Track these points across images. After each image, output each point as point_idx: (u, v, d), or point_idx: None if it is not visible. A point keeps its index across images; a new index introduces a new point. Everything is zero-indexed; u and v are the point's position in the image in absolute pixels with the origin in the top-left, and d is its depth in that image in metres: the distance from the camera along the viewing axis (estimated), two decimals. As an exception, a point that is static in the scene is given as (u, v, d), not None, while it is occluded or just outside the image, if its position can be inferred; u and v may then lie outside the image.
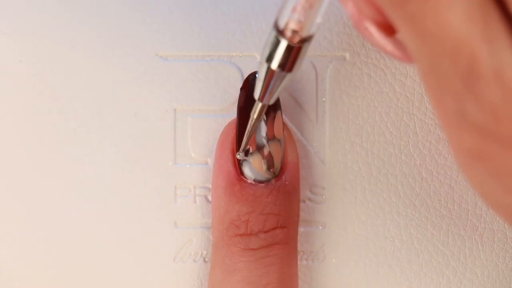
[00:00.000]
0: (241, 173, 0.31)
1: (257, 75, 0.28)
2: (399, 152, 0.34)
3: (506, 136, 0.20)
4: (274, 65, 0.26)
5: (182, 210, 0.34)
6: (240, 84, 0.32)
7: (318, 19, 0.25)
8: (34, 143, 0.34)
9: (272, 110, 0.31)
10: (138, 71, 0.34)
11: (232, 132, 0.32)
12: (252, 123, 0.30)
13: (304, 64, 0.33)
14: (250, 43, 0.34)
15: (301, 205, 0.34)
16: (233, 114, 0.32)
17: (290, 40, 0.25)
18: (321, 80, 0.34)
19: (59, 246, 0.34)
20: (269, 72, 0.27)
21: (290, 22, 0.25)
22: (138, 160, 0.34)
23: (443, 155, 0.34)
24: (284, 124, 0.32)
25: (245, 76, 0.32)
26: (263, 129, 0.31)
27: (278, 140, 0.31)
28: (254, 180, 0.31)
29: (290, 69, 0.26)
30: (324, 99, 0.34)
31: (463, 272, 0.35)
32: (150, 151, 0.34)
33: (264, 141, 0.31)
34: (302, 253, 0.35)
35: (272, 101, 0.29)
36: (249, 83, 0.32)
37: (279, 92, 0.28)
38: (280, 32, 0.25)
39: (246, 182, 0.31)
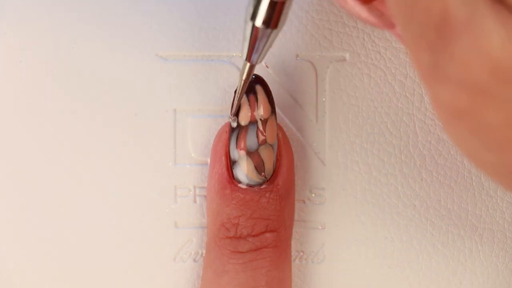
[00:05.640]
0: (233, 176, 0.31)
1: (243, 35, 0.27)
2: (399, 152, 0.34)
3: (478, 89, 0.20)
4: (259, 22, 0.26)
5: (182, 210, 0.34)
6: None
7: None
8: (34, 143, 0.34)
9: (265, 114, 0.31)
10: (138, 71, 0.34)
11: (225, 135, 0.32)
12: (241, 84, 0.30)
13: (304, 64, 0.33)
14: (250, 43, 0.34)
15: (301, 205, 0.34)
16: (233, 115, 0.32)
17: None
18: (321, 80, 0.34)
19: (59, 246, 0.34)
20: (254, 30, 0.26)
21: None
22: (138, 160, 0.34)
23: (443, 155, 0.34)
24: (279, 128, 0.32)
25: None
26: (254, 133, 0.31)
27: (270, 144, 0.31)
28: (247, 184, 0.31)
29: (274, 26, 0.26)
30: (324, 99, 0.34)
31: (463, 273, 0.35)
32: (150, 151, 0.34)
33: (255, 146, 0.31)
34: (302, 253, 0.35)
35: (259, 61, 0.28)
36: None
37: (266, 51, 0.28)
38: None
39: (237, 185, 0.31)
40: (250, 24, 0.26)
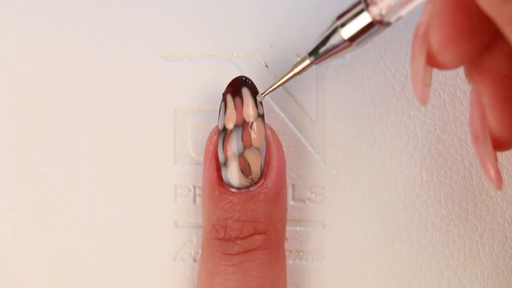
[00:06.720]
0: (222, 178, 0.31)
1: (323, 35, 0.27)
2: (399, 152, 0.34)
3: None
4: (346, 34, 0.26)
5: (182, 210, 0.34)
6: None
7: (404, 12, 0.25)
8: (34, 143, 0.34)
9: (252, 117, 0.31)
10: (138, 71, 0.34)
11: (215, 137, 0.32)
12: (290, 75, 0.30)
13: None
14: (250, 43, 0.34)
15: (301, 205, 0.34)
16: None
17: (373, 17, 0.25)
18: (321, 80, 0.34)
19: (60, 246, 0.34)
20: (337, 38, 0.26)
21: (381, 2, 0.25)
22: (138, 160, 0.34)
23: (443, 155, 0.34)
24: (272, 131, 0.32)
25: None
26: (240, 137, 0.31)
27: (257, 148, 0.31)
28: (235, 187, 0.31)
29: (358, 43, 0.26)
30: (324, 99, 0.34)
31: (463, 273, 0.35)
32: (150, 151, 0.34)
33: (240, 150, 0.31)
34: (302, 253, 0.35)
35: (317, 63, 0.28)
36: (235, 86, 0.31)
37: (331, 59, 0.28)
38: (367, 7, 0.25)
39: (225, 188, 0.31)
40: (338, 31, 0.26)
